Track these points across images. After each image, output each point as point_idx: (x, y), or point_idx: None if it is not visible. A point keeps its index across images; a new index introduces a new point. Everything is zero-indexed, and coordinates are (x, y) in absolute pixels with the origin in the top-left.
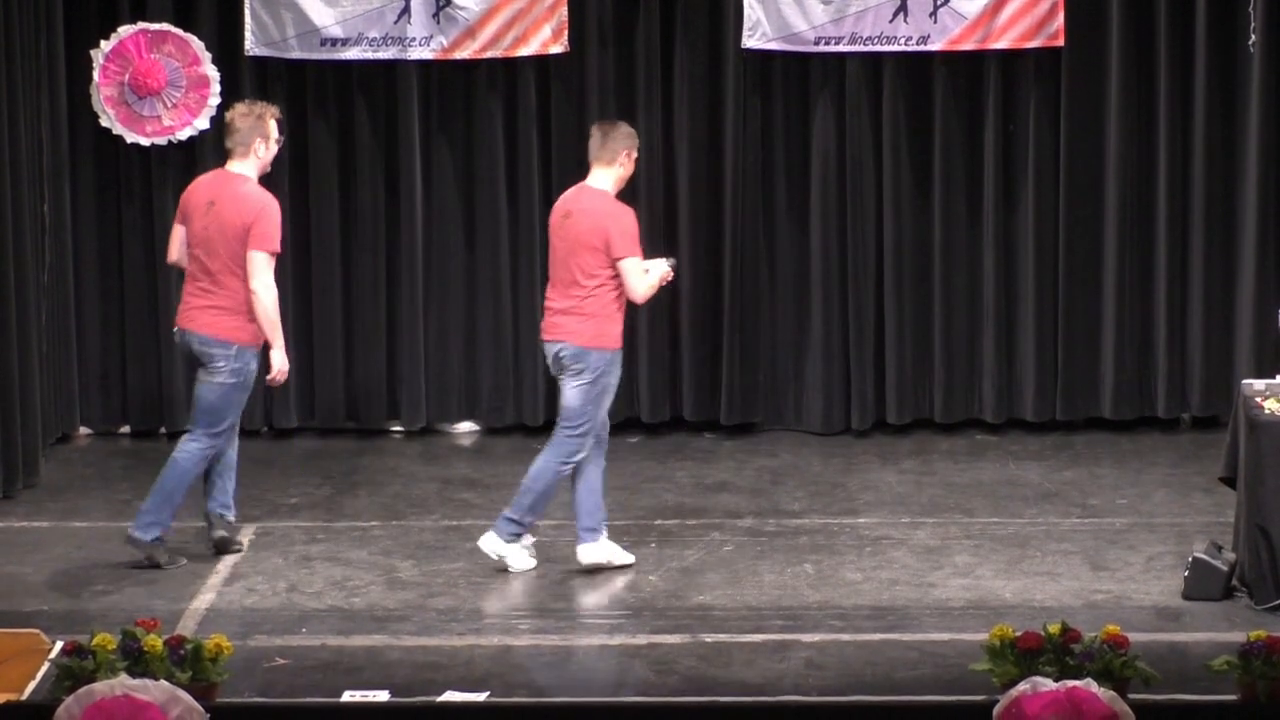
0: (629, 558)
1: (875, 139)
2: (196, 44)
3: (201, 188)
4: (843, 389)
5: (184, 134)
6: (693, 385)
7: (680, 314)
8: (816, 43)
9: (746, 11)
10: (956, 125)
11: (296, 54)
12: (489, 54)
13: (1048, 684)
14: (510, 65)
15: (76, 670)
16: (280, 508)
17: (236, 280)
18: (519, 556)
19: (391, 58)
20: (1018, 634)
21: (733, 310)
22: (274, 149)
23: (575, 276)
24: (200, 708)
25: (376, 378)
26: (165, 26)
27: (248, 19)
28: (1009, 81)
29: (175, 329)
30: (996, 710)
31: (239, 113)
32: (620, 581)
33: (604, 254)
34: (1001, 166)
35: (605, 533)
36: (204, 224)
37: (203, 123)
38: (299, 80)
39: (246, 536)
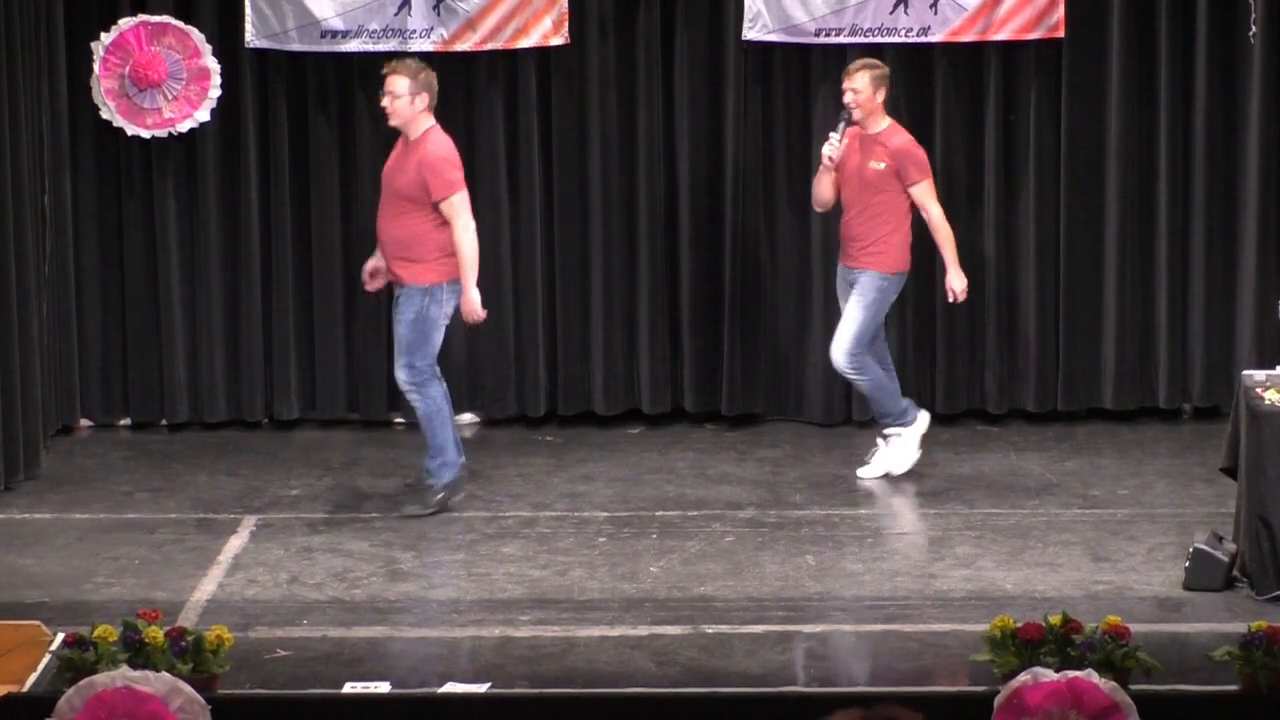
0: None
1: None
2: (197, 36)
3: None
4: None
5: (185, 126)
6: (694, 376)
7: (681, 305)
8: (817, 34)
9: (747, 3)
10: (957, 116)
11: (297, 46)
12: (489, 46)
13: (1049, 675)
14: (511, 57)
15: (78, 662)
16: (281, 499)
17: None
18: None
19: (392, 50)
20: (1019, 625)
21: (734, 301)
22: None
23: None
24: (201, 699)
25: (377, 368)
26: (165, 19)
27: (248, 11)
28: (1010, 72)
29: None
30: (997, 701)
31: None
32: (621, 573)
33: None
34: (1002, 157)
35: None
36: None
37: (203, 115)
38: (299, 72)
39: (247, 528)
